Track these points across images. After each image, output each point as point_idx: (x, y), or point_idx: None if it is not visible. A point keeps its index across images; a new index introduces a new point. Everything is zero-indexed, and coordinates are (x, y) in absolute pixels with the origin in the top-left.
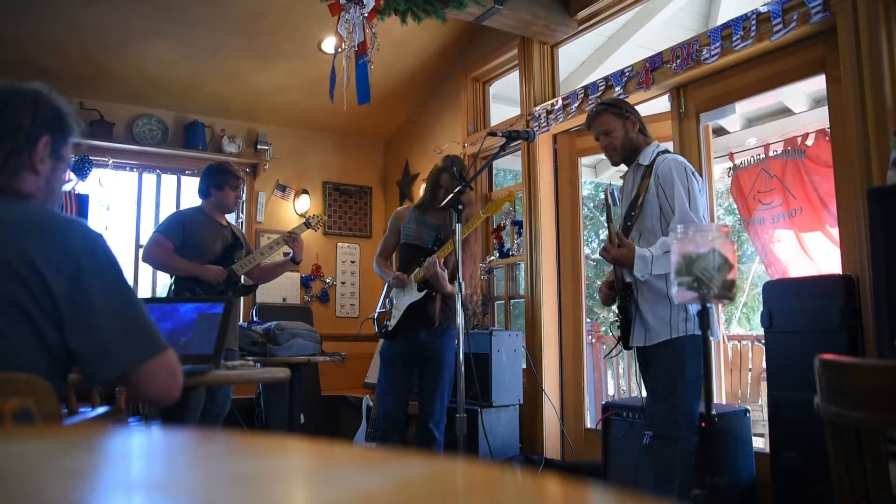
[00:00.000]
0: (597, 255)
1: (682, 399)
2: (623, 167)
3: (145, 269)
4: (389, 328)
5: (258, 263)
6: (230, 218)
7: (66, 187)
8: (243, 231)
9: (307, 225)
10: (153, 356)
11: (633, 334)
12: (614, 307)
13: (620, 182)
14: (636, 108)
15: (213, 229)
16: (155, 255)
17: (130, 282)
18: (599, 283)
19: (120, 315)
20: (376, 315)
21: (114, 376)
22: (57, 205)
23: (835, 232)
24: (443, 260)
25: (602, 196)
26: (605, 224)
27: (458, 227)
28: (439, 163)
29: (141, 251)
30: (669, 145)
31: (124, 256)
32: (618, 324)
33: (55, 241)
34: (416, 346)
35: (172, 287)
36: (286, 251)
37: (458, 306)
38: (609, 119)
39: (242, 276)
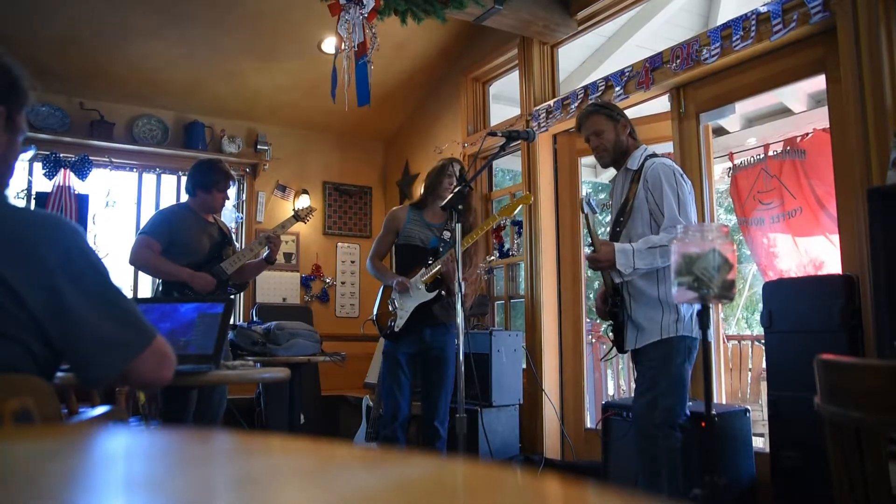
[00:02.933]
0: None
1: (663, 396)
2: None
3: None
4: (396, 329)
5: (245, 262)
6: (229, 214)
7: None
8: (243, 231)
9: (296, 218)
10: (143, 350)
11: (626, 338)
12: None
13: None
14: (635, 107)
15: (199, 227)
16: (142, 257)
17: (129, 283)
18: (599, 283)
19: (106, 316)
20: (375, 316)
21: (109, 378)
22: (9, 177)
23: (832, 234)
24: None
25: (582, 205)
26: (587, 233)
27: (457, 227)
28: (444, 159)
29: None
30: (667, 146)
31: (124, 257)
32: (612, 328)
33: (26, 251)
34: (422, 346)
35: (160, 289)
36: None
37: (458, 306)
38: (600, 120)
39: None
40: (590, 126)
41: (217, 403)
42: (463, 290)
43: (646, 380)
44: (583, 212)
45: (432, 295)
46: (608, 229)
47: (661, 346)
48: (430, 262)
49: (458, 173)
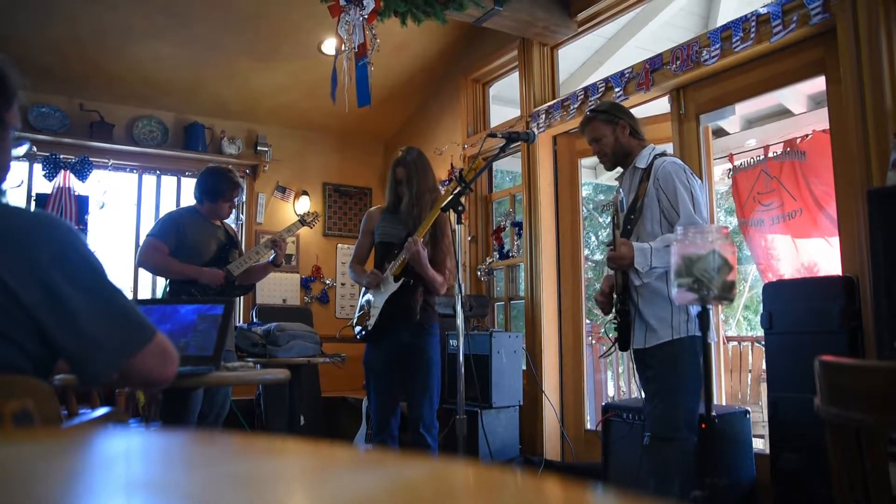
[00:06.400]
0: (597, 257)
1: (681, 399)
2: (620, 169)
3: (144, 271)
4: (369, 327)
5: (250, 265)
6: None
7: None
8: (243, 232)
9: (303, 222)
10: (143, 347)
11: (633, 336)
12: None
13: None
14: (635, 108)
15: (207, 230)
16: (150, 258)
17: (129, 283)
18: (599, 284)
19: (102, 314)
20: (355, 319)
21: (108, 375)
22: (4, 174)
23: (831, 236)
24: (422, 240)
25: (612, 201)
26: (607, 226)
27: (458, 227)
28: (398, 153)
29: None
30: (668, 146)
31: (124, 258)
32: (615, 325)
33: (19, 251)
34: (401, 350)
35: (168, 289)
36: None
37: (458, 307)
38: (598, 126)
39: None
40: (589, 133)
41: (220, 405)
42: (462, 289)
43: (660, 384)
44: (615, 209)
45: (398, 285)
46: (611, 230)
47: (672, 346)
48: (396, 253)
49: (401, 178)
